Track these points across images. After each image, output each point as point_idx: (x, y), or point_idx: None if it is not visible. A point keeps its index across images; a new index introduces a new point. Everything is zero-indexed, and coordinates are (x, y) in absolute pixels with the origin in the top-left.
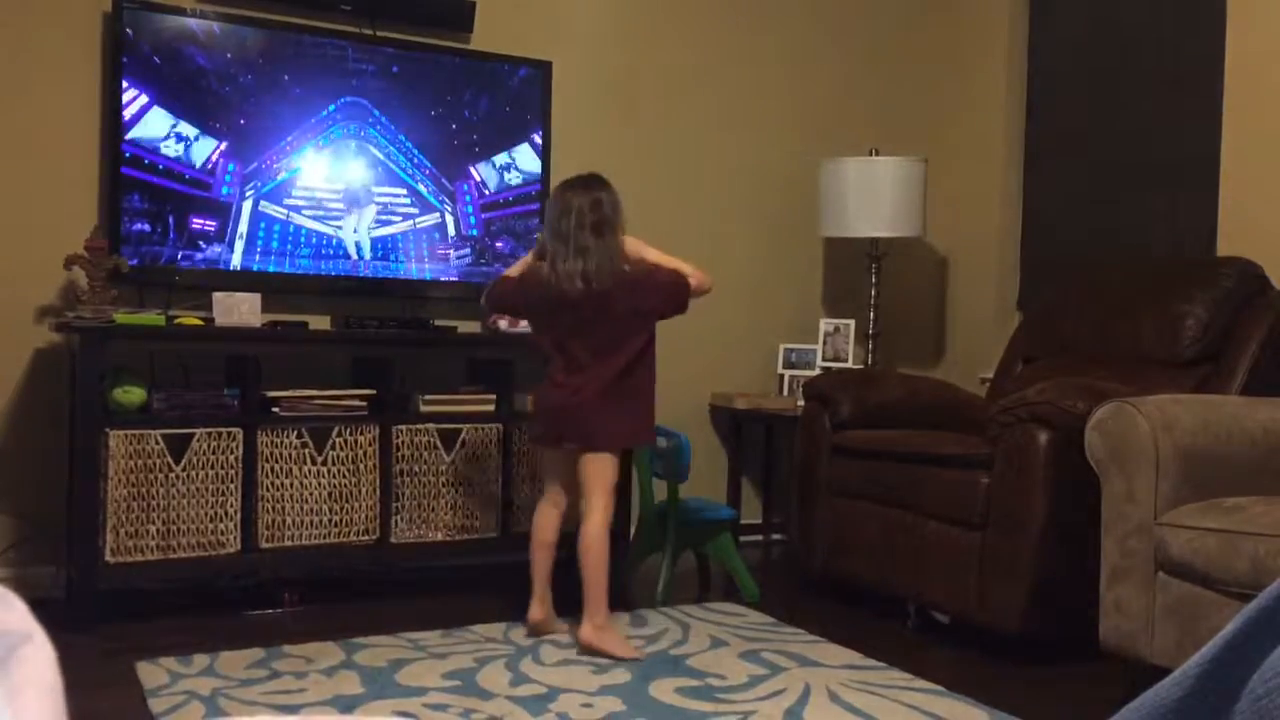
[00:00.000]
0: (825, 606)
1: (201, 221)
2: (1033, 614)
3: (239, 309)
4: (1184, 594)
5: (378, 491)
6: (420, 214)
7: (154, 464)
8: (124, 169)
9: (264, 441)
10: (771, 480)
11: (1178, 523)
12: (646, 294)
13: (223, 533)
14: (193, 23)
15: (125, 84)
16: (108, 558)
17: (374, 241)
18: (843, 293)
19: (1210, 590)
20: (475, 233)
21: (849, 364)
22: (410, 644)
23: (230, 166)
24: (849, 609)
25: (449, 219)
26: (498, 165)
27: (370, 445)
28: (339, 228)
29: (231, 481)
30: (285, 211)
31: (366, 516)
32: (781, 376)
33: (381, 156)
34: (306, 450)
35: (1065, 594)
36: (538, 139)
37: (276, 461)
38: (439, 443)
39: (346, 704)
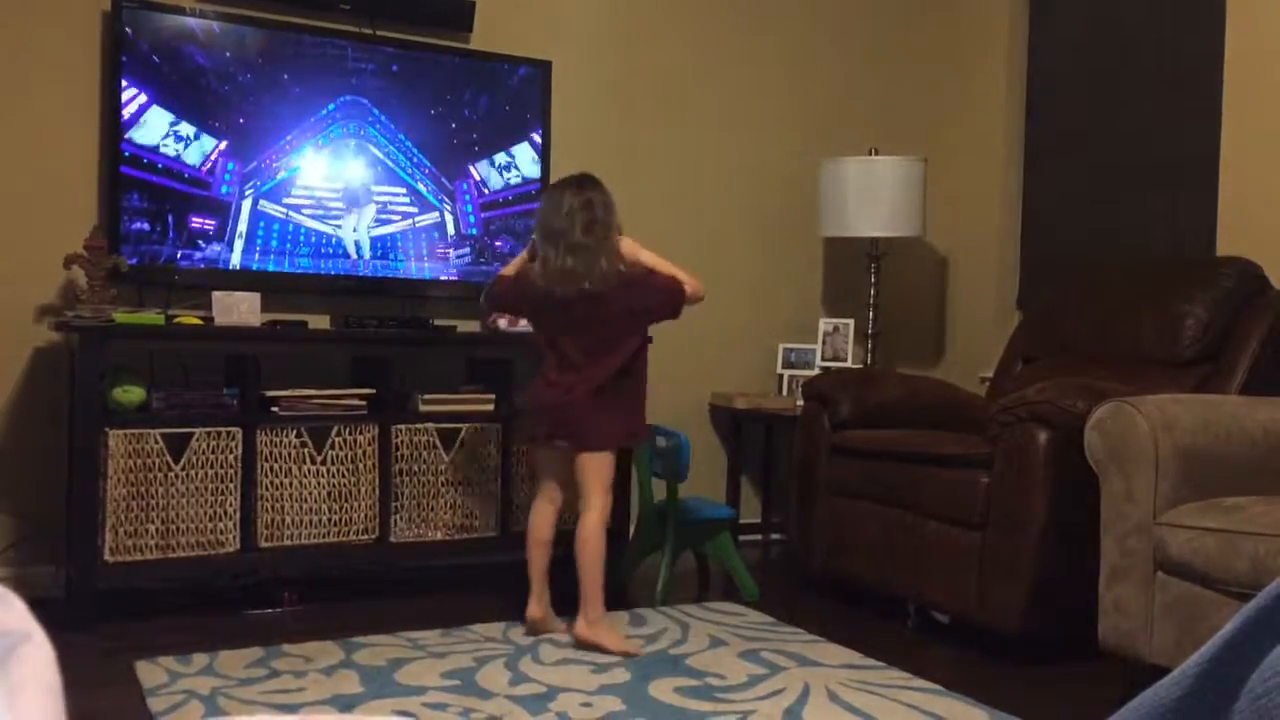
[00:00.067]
0: (825, 606)
1: (201, 221)
2: (1032, 614)
3: (238, 308)
4: (1183, 593)
5: (377, 491)
6: (420, 213)
7: (153, 463)
8: (123, 168)
9: (263, 441)
10: (771, 480)
11: (1177, 522)
12: (642, 295)
13: (222, 532)
14: (192, 22)
15: (125, 83)
16: (107, 557)
17: (373, 241)
18: (842, 292)
19: (1209, 590)
20: (475, 232)
21: (848, 364)
22: (409, 643)
23: (230, 165)
24: (848, 609)
25: (448, 218)
26: (497, 164)
27: (369, 445)
28: (338, 227)
29: (231, 481)
30: (285, 210)
31: (366, 516)
32: (781, 376)
33: (381, 155)
34: (306, 450)
35: (1065, 594)
36: (537, 138)
37: (276, 461)
38: (438, 442)
39: (346, 703)
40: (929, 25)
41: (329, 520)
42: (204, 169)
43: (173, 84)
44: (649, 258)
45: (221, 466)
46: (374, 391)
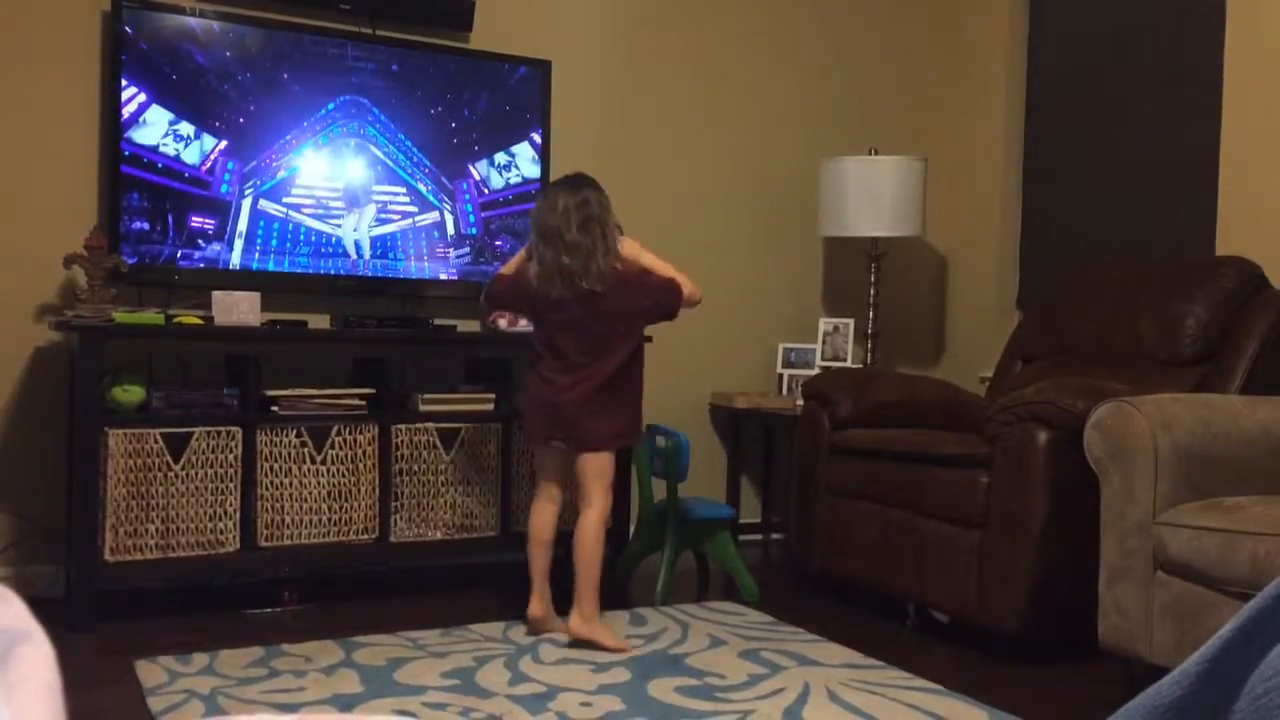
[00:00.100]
0: (824, 606)
1: (201, 220)
2: (1032, 613)
3: (238, 308)
4: (1183, 593)
5: (377, 490)
6: (420, 212)
7: (153, 463)
8: (123, 167)
9: (263, 440)
10: (771, 479)
11: (1177, 522)
12: (639, 295)
13: (222, 531)
14: (192, 21)
15: (124, 82)
16: (107, 556)
17: (373, 240)
18: (842, 292)
19: (1209, 589)
20: (475, 231)
21: (848, 363)
22: (409, 643)
23: (229, 165)
24: (848, 608)
25: (448, 218)
26: (497, 164)
27: (369, 444)
28: (338, 226)
29: (231, 480)
30: (284, 210)
31: (366, 515)
32: (781, 376)
33: (381, 155)
34: (306, 449)
35: (1065, 594)
36: (537, 138)
37: (276, 460)
38: (438, 442)
39: (346, 703)
40: (929, 25)
41: (329, 520)
42: (204, 168)
43: (173, 83)
44: (650, 260)
45: (221, 466)
46: (374, 391)
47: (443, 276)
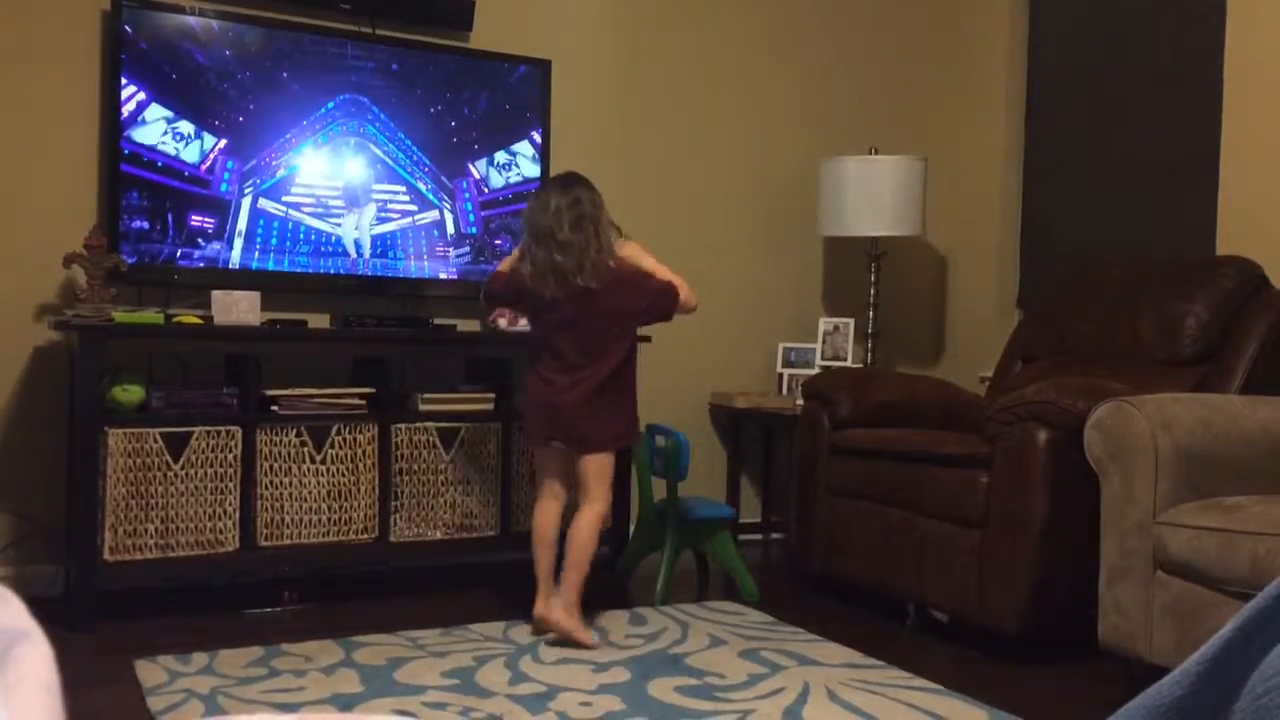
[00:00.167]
0: (824, 606)
1: (200, 219)
2: (1032, 613)
3: (238, 307)
4: (1183, 593)
5: (377, 490)
6: (419, 211)
7: (153, 462)
8: (123, 166)
9: (263, 440)
10: (771, 479)
11: (1177, 522)
12: (637, 295)
13: (221, 531)
14: (191, 20)
15: (124, 81)
16: (106, 556)
17: (373, 239)
18: (842, 292)
19: (1209, 589)
20: (474, 230)
21: (848, 363)
22: (409, 642)
23: (229, 164)
24: (848, 608)
25: (448, 217)
26: (497, 163)
27: (369, 444)
28: (338, 225)
29: (230, 480)
30: (284, 209)
31: (365, 515)
32: (781, 375)
33: (380, 154)
34: (305, 449)
35: (1065, 593)
36: (537, 137)
37: (275, 460)
38: (438, 441)
39: (345, 702)
40: (929, 25)
41: (329, 519)
42: (203, 167)
43: (172, 82)
44: (651, 264)
45: (221, 466)
46: (374, 391)
47: (442, 276)
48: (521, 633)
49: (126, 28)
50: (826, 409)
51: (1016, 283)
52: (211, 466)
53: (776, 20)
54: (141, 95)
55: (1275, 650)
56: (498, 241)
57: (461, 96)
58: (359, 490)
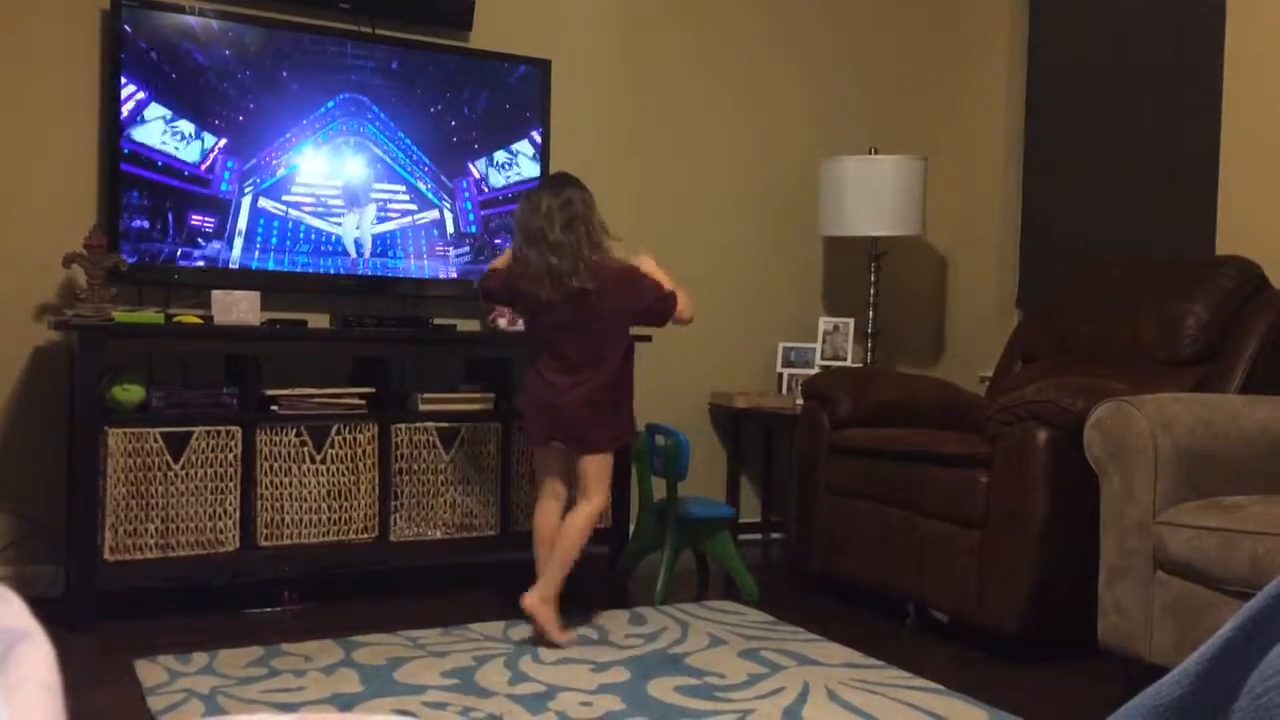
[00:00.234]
0: (824, 605)
1: (200, 218)
2: (1032, 613)
3: (238, 307)
4: (1183, 592)
5: (377, 490)
6: (419, 211)
7: (153, 462)
8: (123, 165)
9: (263, 440)
10: (770, 479)
11: (1177, 521)
12: (635, 295)
13: (221, 531)
14: (191, 20)
15: (124, 81)
16: (107, 556)
17: (373, 239)
18: (842, 292)
19: (1209, 589)
20: (474, 230)
21: (848, 363)
22: (409, 642)
23: (229, 163)
24: (848, 608)
25: (448, 216)
26: (497, 162)
27: (369, 443)
28: (338, 224)
29: (230, 480)
30: (284, 208)
31: (365, 515)
32: (781, 375)
33: (380, 153)
34: (305, 448)
35: (1065, 593)
36: (537, 136)
37: (275, 460)
38: (438, 441)
39: (345, 702)
40: (929, 25)
41: (329, 519)
42: (203, 167)
43: (172, 82)
44: (659, 275)
45: (221, 465)
46: (374, 390)
47: (442, 275)
48: (522, 632)
49: (126, 27)
50: (826, 409)
51: (1016, 283)
52: (211, 466)
53: (776, 20)
54: (141, 95)
55: (1275, 650)
56: (497, 241)
57: (461, 96)
58: (359, 490)
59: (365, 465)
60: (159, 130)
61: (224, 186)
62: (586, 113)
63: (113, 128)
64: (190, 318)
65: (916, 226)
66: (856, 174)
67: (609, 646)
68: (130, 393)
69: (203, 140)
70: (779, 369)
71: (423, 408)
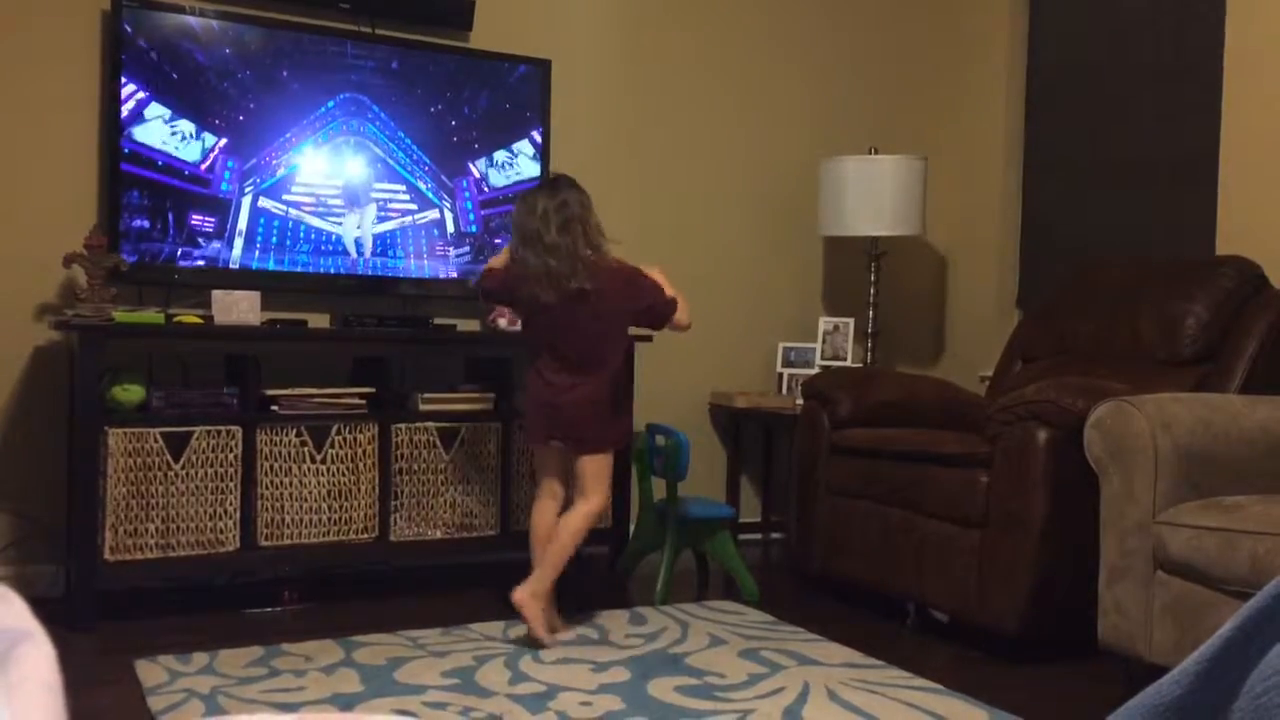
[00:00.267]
0: (824, 605)
1: (201, 218)
2: (1032, 613)
3: (238, 307)
4: (1183, 592)
5: (377, 490)
6: (419, 210)
7: (153, 462)
8: (123, 165)
9: (263, 440)
10: (771, 479)
11: (1177, 521)
12: (635, 295)
13: (222, 531)
14: (192, 20)
15: (124, 81)
16: (107, 556)
17: (374, 239)
18: (842, 292)
19: (1209, 589)
20: (474, 229)
21: (848, 363)
22: (409, 642)
23: (229, 163)
24: (848, 608)
25: (448, 215)
26: (497, 162)
27: (369, 443)
28: (339, 224)
29: (231, 480)
30: (284, 207)
31: (366, 515)
32: (781, 375)
33: (380, 153)
34: (306, 448)
35: (1065, 593)
36: (537, 136)
37: (276, 460)
38: (438, 441)
39: (346, 702)
40: (929, 25)
41: (329, 519)
42: (204, 166)
43: (172, 81)
44: (660, 280)
45: (221, 465)
46: (374, 390)
47: (442, 275)
48: (521, 632)
49: (126, 27)
50: (826, 408)
51: (1016, 283)
52: (212, 466)
53: (776, 20)
54: (141, 94)
55: (1274, 650)
56: (498, 240)
57: (461, 96)
58: (359, 490)
59: (365, 465)
60: (159, 130)
61: (224, 186)
62: (586, 113)
63: (113, 127)
64: (190, 318)
65: (916, 226)
66: (856, 174)
67: (609, 646)
68: (130, 393)
69: (203, 140)
70: (779, 369)
71: (423, 408)
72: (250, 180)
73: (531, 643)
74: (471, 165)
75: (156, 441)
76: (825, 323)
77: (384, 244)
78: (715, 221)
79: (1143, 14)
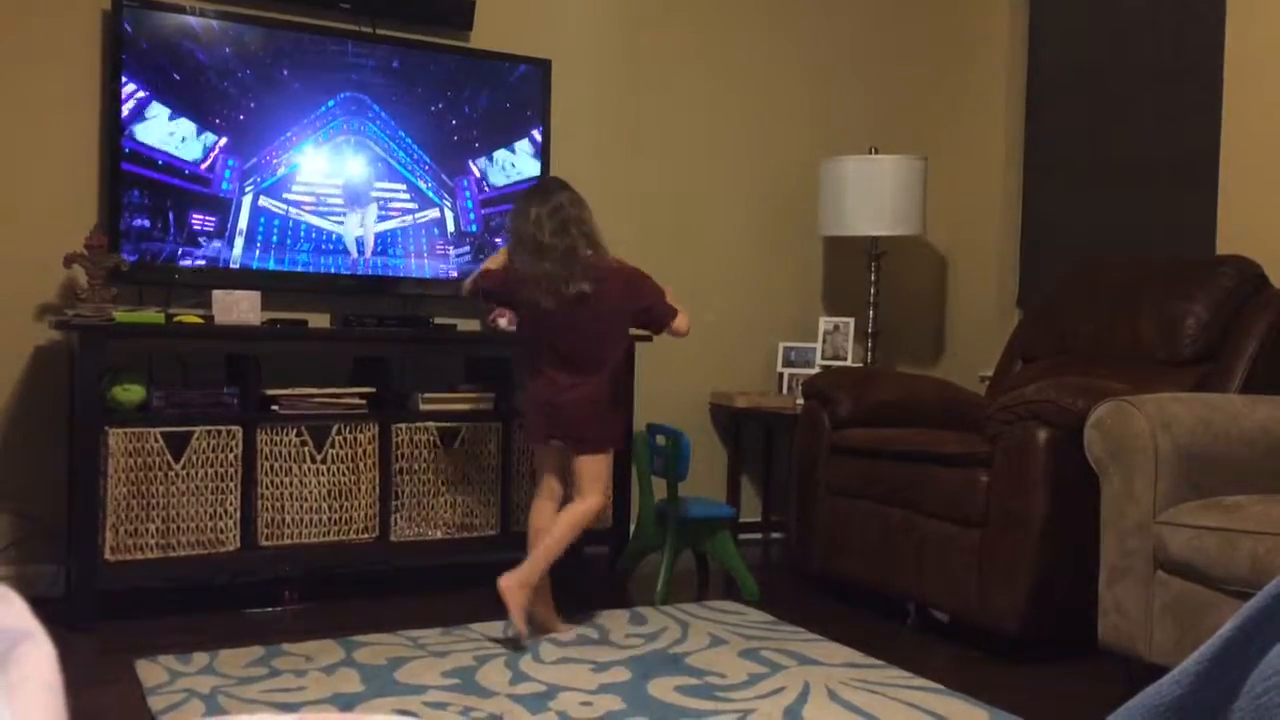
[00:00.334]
0: (825, 605)
1: (201, 218)
2: (1032, 613)
3: (238, 307)
4: (1183, 592)
5: (377, 489)
6: (419, 210)
7: (153, 462)
8: (124, 165)
9: (263, 440)
10: (771, 479)
11: (1177, 521)
12: (635, 295)
13: (222, 531)
14: (192, 20)
15: (125, 80)
16: (107, 556)
17: (374, 238)
18: (842, 291)
19: (1209, 589)
20: (475, 229)
21: (849, 362)
22: (410, 642)
23: (230, 162)
24: (848, 608)
25: (448, 215)
26: (497, 161)
27: (370, 443)
28: (339, 223)
29: (231, 480)
30: (285, 207)
31: (366, 514)
32: (781, 375)
33: (381, 152)
34: (306, 448)
35: (1065, 593)
36: (537, 136)
37: (276, 460)
38: (438, 441)
39: (346, 702)
40: (929, 25)
41: (329, 519)
42: (204, 166)
43: (173, 81)
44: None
45: (222, 465)
46: (374, 390)
47: (442, 275)
48: (510, 634)
49: (127, 27)
50: (826, 408)
51: (1016, 283)
52: (212, 466)
53: (776, 20)
54: (142, 94)
55: (1274, 650)
56: (498, 240)
57: (462, 95)
58: (359, 490)
59: (365, 465)
60: (160, 129)
61: (225, 185)
62: (586, 112)
63: (113, 127)
64: (191, 317)
65: (916, 226)
66: (856, 174)
67: (609, 646)
68: (131, 393)
69: (203, 139)
70: (779, 369)
71: (423, 407)
72: (251, 179)
73: (510, 632)
74: (472, 164)
75: (157, 441)
76: (825, 322)
77: (384, 243)
78: (715, 221)
79: (1143, 14)
